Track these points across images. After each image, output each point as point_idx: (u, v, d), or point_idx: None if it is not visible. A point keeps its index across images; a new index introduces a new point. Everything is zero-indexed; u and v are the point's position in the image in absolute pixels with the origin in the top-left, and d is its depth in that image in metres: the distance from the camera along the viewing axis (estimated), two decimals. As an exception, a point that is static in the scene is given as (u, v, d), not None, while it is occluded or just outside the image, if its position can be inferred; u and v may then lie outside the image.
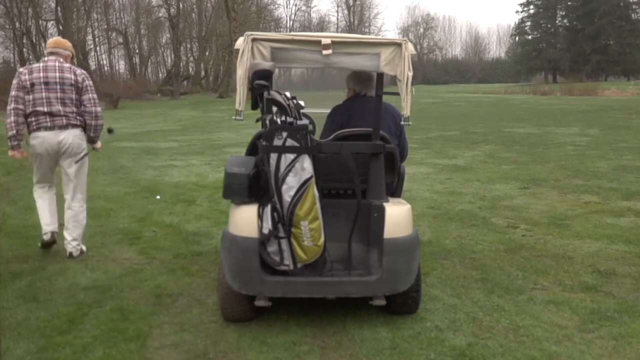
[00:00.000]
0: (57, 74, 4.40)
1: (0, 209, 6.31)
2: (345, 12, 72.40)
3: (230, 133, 15.43)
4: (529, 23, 66.88)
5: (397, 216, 3.26)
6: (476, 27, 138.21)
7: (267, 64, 3.11)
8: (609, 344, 3.14)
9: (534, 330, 3.31)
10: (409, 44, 3.19)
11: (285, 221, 3.12)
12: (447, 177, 8.37)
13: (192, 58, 55.24)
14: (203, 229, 5.49)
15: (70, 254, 4.54)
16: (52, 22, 42.38)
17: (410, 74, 3.18)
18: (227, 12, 38.57)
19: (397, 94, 3.26)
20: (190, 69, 54.26)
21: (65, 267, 4.37)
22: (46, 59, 4.49)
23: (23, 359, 2.98)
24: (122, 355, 3.03)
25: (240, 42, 3.19)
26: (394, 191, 3.77)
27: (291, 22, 67.55)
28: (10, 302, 3.69)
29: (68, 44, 4.66)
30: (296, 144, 3.08)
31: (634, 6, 60.46)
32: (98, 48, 50.70)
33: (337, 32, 63.89)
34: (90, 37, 47.76)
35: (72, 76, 4.45)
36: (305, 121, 3.20)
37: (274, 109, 3.18)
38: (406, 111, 3.20)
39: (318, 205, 3.14)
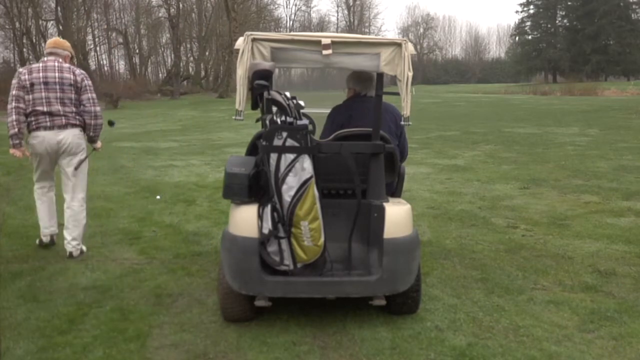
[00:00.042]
0: (57, 74, 4.42)
1: (0, 209, 6.31)
2: (345, 12, 72.52)
3: (230, 133, 15.43)
4: (529, 23, 66.90)
5: (397, 216, 3.26)
6: (476, 27, 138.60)
7: (267, 64, 3.11)
8: (609, 344, 3.14)
9: (534, 330, 3.31)
10: (409, 44, 3.19)
11: (285, 221, 3.12)
12: (447, 177, 8.37)
13: (192, 58, 55.30)
14: (203, 229, 5.49)
15: (70, 253, 4.54)
16: (52, 22, 42.43)
17: (410, 74, 3.18)
18: (227, 12, 38.57)
19: (397, 94, 3.26)
20: (190, 69, 54.27)
21: (65, 267, 4.37)
22: (45, 59, 4.51)
23: (23, 359, 2.98)
24: (122, 355, 3.03)
25: (240, 42, 3.19)
26: (394, 191, 3.77)
27: (291, 22, 67.67)
28: (10, 302, 3.69)
29: (67, 44, 4.69)
30: (296, 144, 3.08)
31: (634, 6, 60.47)
32: (98, 48, 50.81)
33: (337, 32, 63.91)
34: (90, 37, 47.87)
35: (71, 76, 4.47)
36: (305, 121, 3.20)
37: (274, 109, 3.18)
38: (406, 111, 3.20)
39: (318, 205, 3.14)
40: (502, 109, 23.64)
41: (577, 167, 8.99)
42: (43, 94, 4.38)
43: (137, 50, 52.25)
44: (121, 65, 55.35)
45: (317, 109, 4.18)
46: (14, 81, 4.42)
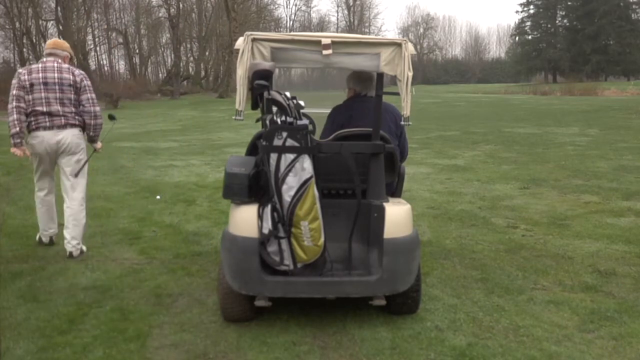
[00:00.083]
0: (56, 75, 4.44)
1: (0, 209, 6.32)
2: (345, 12, 72.53)
3: (230, 133, 15.43)
4: (529, 23, 66.90)
5: (397, 216, 3.26)
6: (476, 27, 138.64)
7: (267, 64, 3.11)
8: (609, 344, 3.14)
9: (534, 330, 3.31)
10: (409, 44, 3.19)
11: (285, 221, 3.12)
12: (447, 177, 8.37)
13: (192, 58, 55.30)
14: (203, 229, 5.49)
15: (70, 253, 4.55)
16: (52, 22, 42.47)
17: (410, 74, 3.17)
18: (227, 12, 38.57)
19: (397, 94, 3.26)
20: (190, 69, 54.28)
21: (65, 267, 4.37)
22: (45, 59, 4.53)
23: (23, 359, 2.98)
24: (122, 355, 3.03)
25: (240, 42, 3.19)
26: (394, 191, 3.77)
27: (291, 22, 67.68)
28: (10, 302, 3.69)
29: (66, 45, 4.72)
30: (296, 144, 3.08)
31: (634, 6, 60.47)
32: (98, 48, 50.82)
33: (337, 32, 63.91)
34: (90, 37, 47.88)
35: (71, 76, 4.49)
36: (305, 121, 3.20)
37: (274, 109, 3.18)
38: (406, 111, 3.20)
39: (318, 205, 3.14)
40: (502, 109, 23.64)
41: (577, 167, 8.99)
42: (42, 94, 4.40)
43: (137, 50, 52.28)
44: (121, 65, 55.48)
45: (317, 109, 4.19)
46: (14, 81, 4.44)
